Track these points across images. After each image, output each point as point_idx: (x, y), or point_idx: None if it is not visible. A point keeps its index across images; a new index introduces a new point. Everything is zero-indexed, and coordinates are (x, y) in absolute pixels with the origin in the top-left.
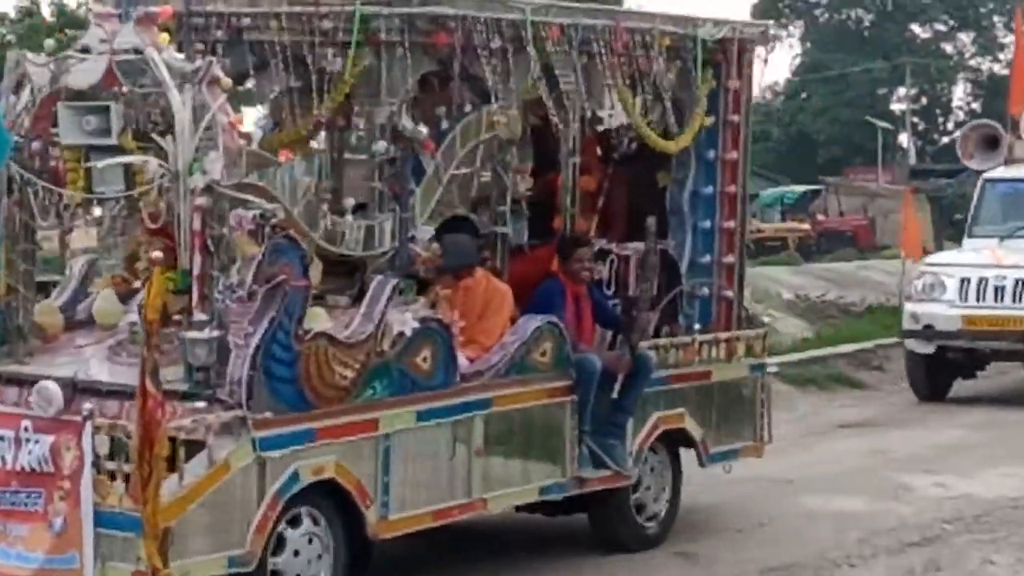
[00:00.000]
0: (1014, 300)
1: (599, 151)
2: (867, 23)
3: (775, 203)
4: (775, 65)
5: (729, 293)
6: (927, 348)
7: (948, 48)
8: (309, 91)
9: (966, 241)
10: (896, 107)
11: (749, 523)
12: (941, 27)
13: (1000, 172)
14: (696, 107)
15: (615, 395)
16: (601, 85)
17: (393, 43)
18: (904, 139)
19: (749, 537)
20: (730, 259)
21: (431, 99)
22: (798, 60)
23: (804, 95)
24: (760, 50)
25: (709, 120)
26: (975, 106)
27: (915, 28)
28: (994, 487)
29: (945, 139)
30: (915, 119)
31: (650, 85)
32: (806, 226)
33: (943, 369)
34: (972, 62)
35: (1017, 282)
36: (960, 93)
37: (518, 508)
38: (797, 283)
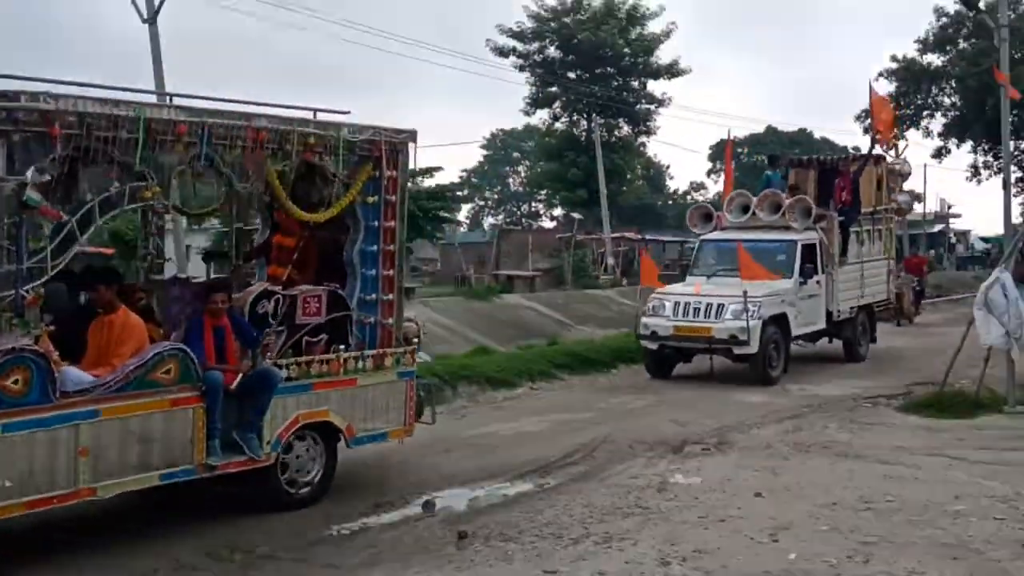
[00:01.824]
0: (704, 317)
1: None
2: (764, 160)
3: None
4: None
5: (389, 321)
6: (653, 345)
7: None
8: None
9: (688, 278)
10: None
11: (708, 407)
12: None
13: (710, 235)
14: (349, 190)
15: (250, 399)
16: (260, 168)
17: (8, 131)
18: None
19: (709, 413)
20: (389, 297)
21: (77, 176)
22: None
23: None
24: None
25: (372, 199)
26: None
27: None
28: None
29: None
30: None
31: (319, 174)
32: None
33: (666, 358)
34: None
35: (707, 305)
36: None
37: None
38: None
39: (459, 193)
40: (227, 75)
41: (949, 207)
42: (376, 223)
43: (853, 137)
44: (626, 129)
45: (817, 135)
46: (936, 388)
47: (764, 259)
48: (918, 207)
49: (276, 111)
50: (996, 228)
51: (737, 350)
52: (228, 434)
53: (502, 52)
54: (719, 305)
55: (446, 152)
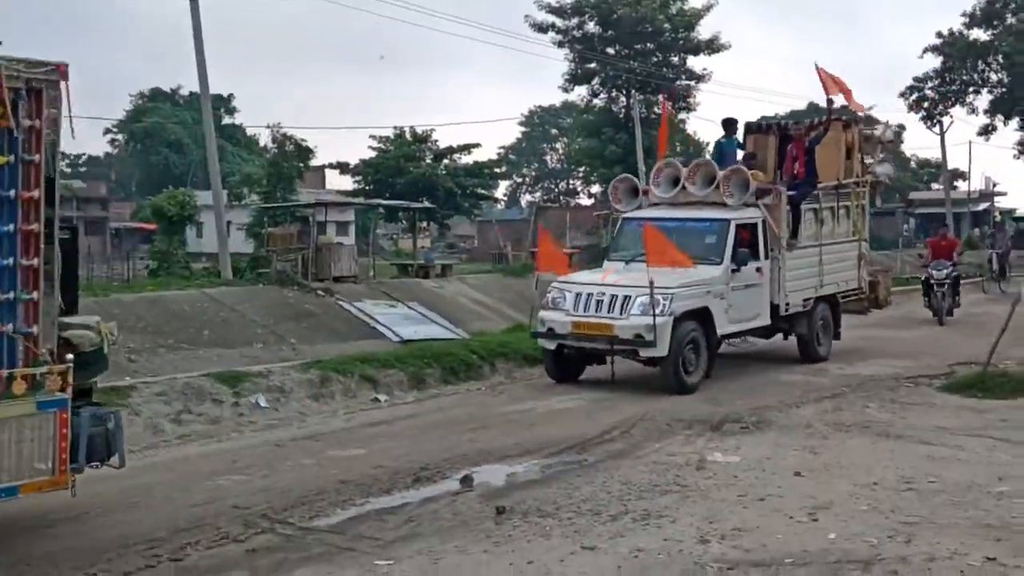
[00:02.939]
0: (608, 311)
1: None
2: None
3: None
4: None
5: (32, 330)
6: (551, 345)
7: None
8: None
9: (605, 263)
10: None
11: (747, 386)
12: None
13: (632, 212)
14: None
15: None
16: None
17: None
18: None
19: (748, 392)
20: (32, 296)
21: None
22: None
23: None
24: (64, 89)
25: (3, 159)
26: None
27: None
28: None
29: None
30: None
31: None
32: None
33: (570, 360)
34: None
35: (612, 298)
36: None
37: None
38: None
39: (497, 170)
40: (267, 51)
41: (994, 185)
42: (10, 192)
43: (899, 114)
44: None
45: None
46: (979, 368)
47: (691, 241)
48: (962, 185)
49: None
50: None
51: (643, 352)
52: None
53: (541, 28)
54: (625, 297)
55: (484, 129)
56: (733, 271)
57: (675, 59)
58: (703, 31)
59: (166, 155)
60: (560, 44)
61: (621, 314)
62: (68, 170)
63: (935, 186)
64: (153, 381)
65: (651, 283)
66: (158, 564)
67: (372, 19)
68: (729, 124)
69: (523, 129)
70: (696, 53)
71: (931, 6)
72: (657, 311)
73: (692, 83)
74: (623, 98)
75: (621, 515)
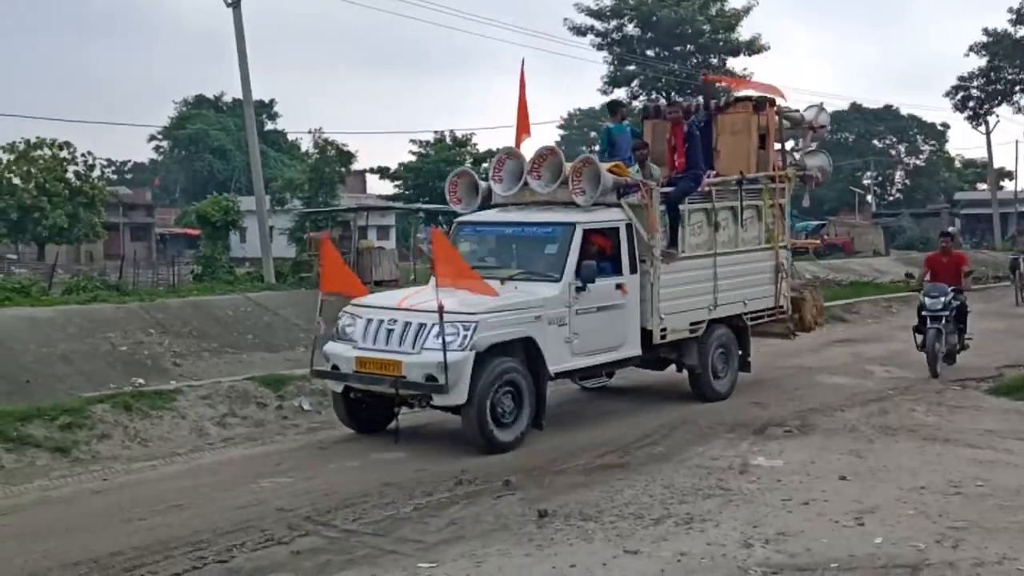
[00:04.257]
0: (399, 344)
1: None
2: (850, 139)
3: (803, 230)
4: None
5: None
6: (338, 387)
7: (891, 151)
8: None
9: (431, 280)
10: (865, 181)
11: (790, 388)
12: (888, 141)
13: (470, 216)
14: None
15: None
16: None
17: None
18: (869, 198)
19: (791, 395)
20: None
21: None
22: None
23: None
24: None
25: None
26: (906, 181)
27: (875, 142)
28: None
29: (888, 198)
30: (875, 188)
31: None
32: (818, 241)
33: (365, 405)
34: (904, 159)
35: (405, 326)
36: (898, 175)
37: None
38: (813, 269)
39: None
40: (305, 55)
41: None
42: None
43: (942, 113)
44: None
45: (904, 111)
46: None
47: (529, 252)
48: (1008, 185)
49: None
50: None
51: (438, 399)
52: None
53: (580, 31)
54: (420, 326)
55: None
56: (577, 289)
57: (715, 60)
58: (743, 32)
59: (210, 161)
60: (599, 47)
61: (413, 348)
62: (114, 176)
63: (981, 186)
64: (198, 384)
65: (440, 308)
66: (204, 566)
67: (412, 24)
68: (617, 107)
69: (562, 132)
70: (736, 54)
71: (976, 5)
72: (452, 344)
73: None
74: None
75: (664, 519)
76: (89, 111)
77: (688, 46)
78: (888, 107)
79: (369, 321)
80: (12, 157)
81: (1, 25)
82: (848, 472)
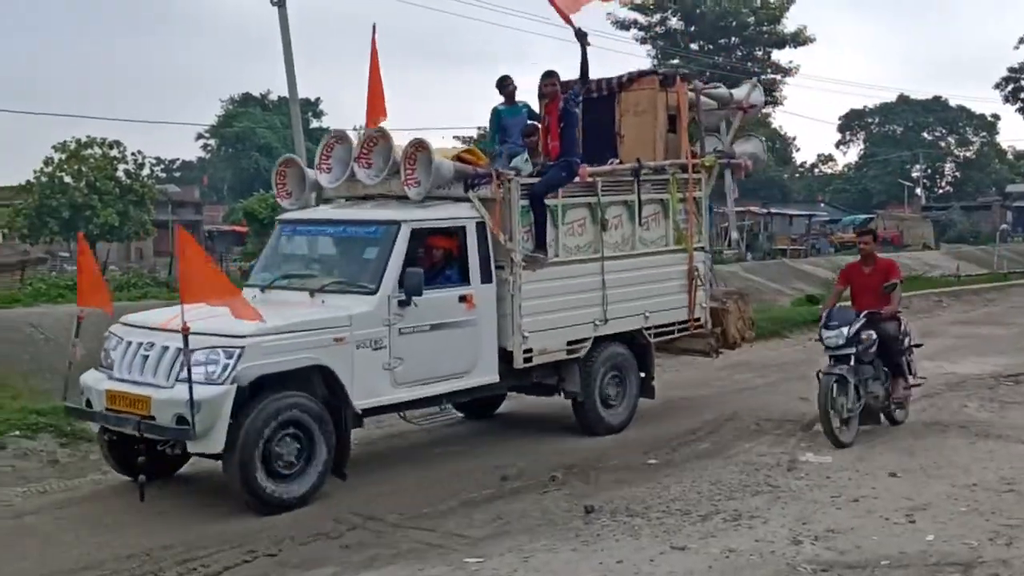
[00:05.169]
0: (154, 373)
1: None
2: (899, 132)
3: (851, 224)
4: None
5: None
6: (95, 424)
7: (941, 144)
8: None
9: (245, 290)
10: (914, 174)
11: None
12: (937, 133)
13: (295, 212)
14: None
15: None
16: None
17: None
18: (918, 191)
19: None
20: None
21: None
22: (861, 150)
23: (865, 168)
24: None
25: None
26: (956, 173)
27: (924, 134)
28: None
29: (938, 191)
30: (924, 180)
31: None
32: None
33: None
34: (954, 151)
35: (162, 350)
36: (947, 168)
37: None
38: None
39: None
40: (349, 52)
41: None
42: None
43: (993, 105)
44: None
45: (953, 103)
46: None
47: (349, 258)
48: None
49: None
50: None
51: (192, 446)
52: None
53: (623, 25)
54: (177, 351)
55: None
56: (401, 304)
57: (759, 53)
58: (788, 24)
59: (256, 159)
60: (643, 41)
61: (167, 380)
62: (163, 175)
63: None
64: None
65: (185, 330)
66: (254, 559)
67: (456, 20)
68: (506, 84)
69: None
70: (781, 46)
71: None
72: (211, 375)
73: (778, 77)
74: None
75: (711, 515)
76: (139, 110)
77: (733, 39)
78: (937, 98)
79: (128, 344)
80: (64, 156)
81: (54, 26)
82: (898, 469)
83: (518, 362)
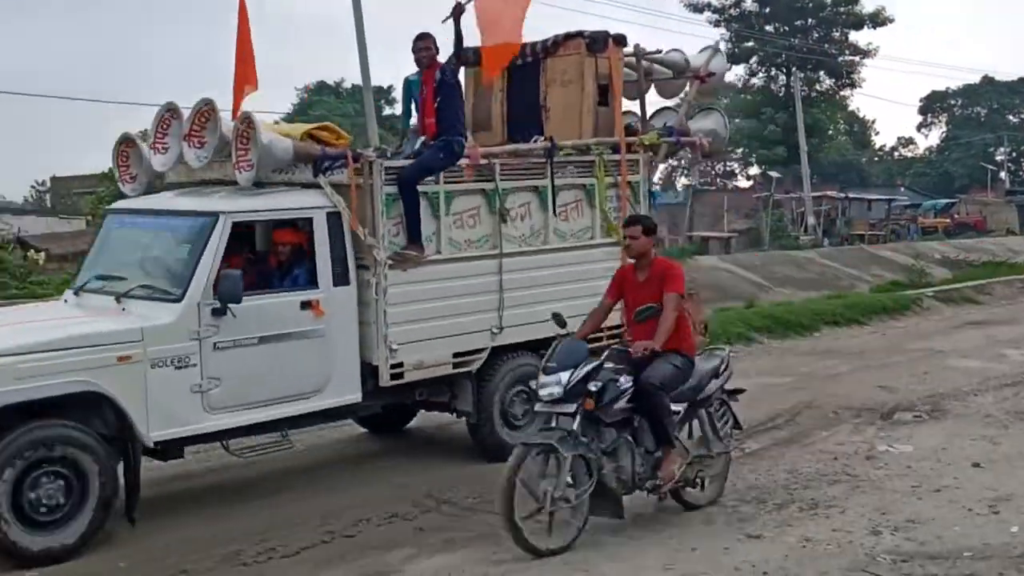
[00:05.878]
0: None
1: None
2: (982, 114)
3: (931, 209)
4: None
5: None
6: None
7: None
8: None
9: (66, 293)
10: (997, 157)
11: (919, 372)
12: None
13: (122, 203)
14: None
15: None
16: None
17: None
18: (1002, 174)
19: (920, 379)
20: None
21: None
22: (943, 133)
23: (947, 152)
24: None
25: None
26: None
27: (1009, 116)
28: None
29: (1023, 175)
30: (1009, 164)
31: None
32: (948, 220)
33: None
34: None
35: None
36: None
37: None
38: (943, 249)
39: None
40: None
41: None
42: None
43: None
44: (827, 83)
45: None
46: None
47: (161, 256)
48: None
49: None
50: None
51: None
52: None
53: (696, 8)
54: None
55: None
56: (215, 312)
57: (836, 34)
58: (867, 4)
59: None
60: (716, 23)
61: None
62: None
63: None
64: None
65: None
66: (332, 540)
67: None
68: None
69: None
70: (859, 27)
71: None
72: None
73: (856, 59)
74: (782, 76)
75: (787, 504)
76: (217, 98)
77: (809, 20)
78: (1023, 79)
79: None
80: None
81: (130, 17)
82: (981, 459)
83: (384, 379)
